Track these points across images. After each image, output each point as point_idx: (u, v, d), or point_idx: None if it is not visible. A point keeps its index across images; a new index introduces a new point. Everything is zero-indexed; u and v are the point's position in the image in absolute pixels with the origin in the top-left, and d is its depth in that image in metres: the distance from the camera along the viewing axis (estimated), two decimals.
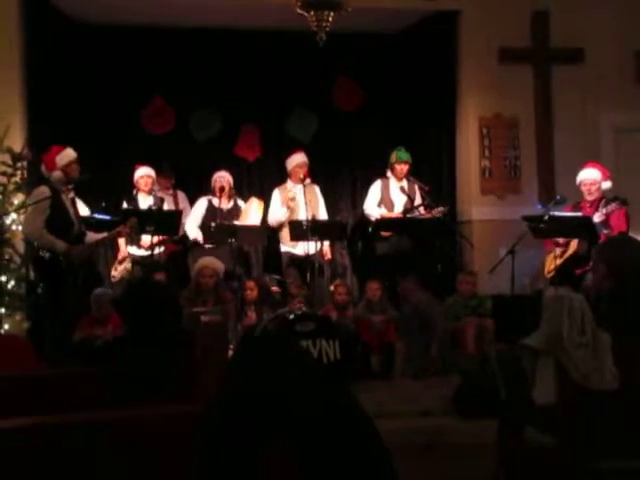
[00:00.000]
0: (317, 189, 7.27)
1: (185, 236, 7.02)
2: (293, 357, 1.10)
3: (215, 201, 6.98)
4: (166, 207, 6.85)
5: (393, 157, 7.15)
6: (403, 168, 7.11)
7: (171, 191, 7.32)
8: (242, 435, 1.00)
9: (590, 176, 6.47)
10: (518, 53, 7.73)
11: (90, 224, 5.88)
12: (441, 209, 6.83)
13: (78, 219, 5.67)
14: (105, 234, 5.83)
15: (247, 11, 7.26)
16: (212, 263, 6.22)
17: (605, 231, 6.15)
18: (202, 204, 7.06)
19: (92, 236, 5.75)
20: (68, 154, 5.58)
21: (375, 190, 7.26)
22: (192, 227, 6.95)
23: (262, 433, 1.00)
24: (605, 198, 6.42)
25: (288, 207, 6.95)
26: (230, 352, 5.12)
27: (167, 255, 6.91)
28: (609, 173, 6.65)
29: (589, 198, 6.44)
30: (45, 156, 5.63)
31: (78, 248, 5.48)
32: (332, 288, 6.45)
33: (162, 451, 2.29)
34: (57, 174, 5.56)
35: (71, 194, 5.67)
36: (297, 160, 7.08)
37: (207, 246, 6.82)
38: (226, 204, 7.02)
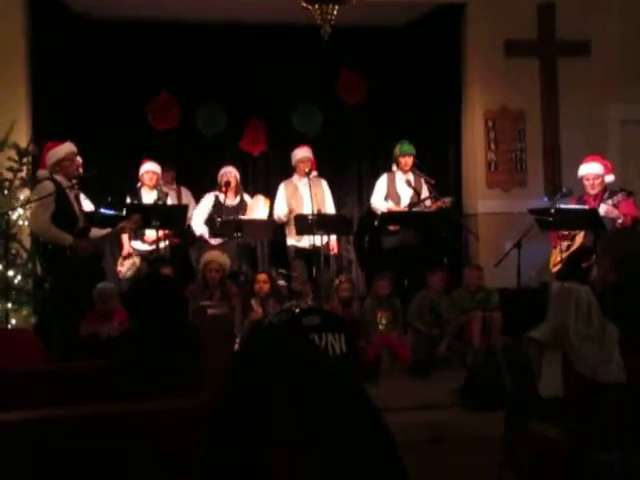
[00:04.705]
0: (324, 183, 7.26)
1: (185, 230, 7.02)
2: (301, 343, 1.10)
3: (222, 197, 6.99)
4: (169, 202, 6.86)
5: (397, 150, 7.15)
6: (407, 161, 7.11)
7: (174, 186, 7.33)
8: (248, 422, 1.01)
9: (593, 170, 6.44)
10: (524, 46, 7.69)
11: (96, 219, 5.89)
12: (448, 199, 6.86)
13: (82, 214, 5.69)
14: (109, 230, 5.85)
15: (251, 5, 7.25)
16: (218, 257, 6.23)
17: (620, 220, 6.14)
18: (209, 200, 7.06)
19: (97, 231, 5.77)
20: (56, 153, 5.56)
21: (381, 184, 7.26)
22: (198, 223, 6.95)
23: (269, 421, 1.00)
24: (609, 190, 6.40)
25: (290, 211, 6.95)
26: (236, 346, 5.13)
27: (171, 249, 6.92)
28: (611, 166, 6.62)
29: (592, 192, 6.43)
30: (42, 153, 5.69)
31: (84, 242, 5.50)
32: (336, 283, 6.44)
33: (168, 444, 2.30)
34: (42, 173, 5.59)
35: (75, 190, 5.67)
36: (299, 155, 7.08)
37: (213, 242, 6.82)
38: (232, 200, 7.02)
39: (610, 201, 6.20)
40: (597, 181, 6.41)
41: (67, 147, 5.63)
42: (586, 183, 6.47)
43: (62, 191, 5.47)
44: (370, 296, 6.63)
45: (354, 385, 1.03)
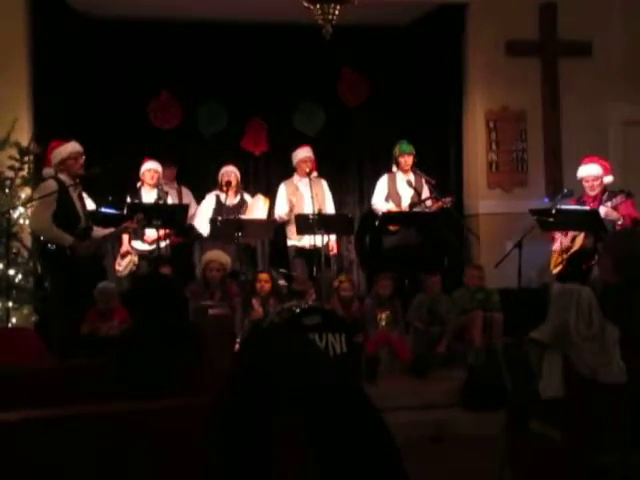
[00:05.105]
0: (324, 183, 7.27)
1: (188, 229, 7.02)
2: (301, 345, 1.10)
3: (222, 197, 6.98)
4: (170, 201, 6.86)
5: (396, 150, 7.15)
6: (407, 160, 7.11)
7: (175, 185, 7.33)
8: (251, 421, 1.01)
9: (592, 172, 6.45)
10: (526, 46, 7.69)
11: (97, 218, 5.89)
12: (449, 199, 6.87)
13: (85, 214, 5.68)
14: (112, 229, 5.84)
15: (253, 4, 7.25)
16: (219, 257, 6.22)
17: (619, 222, 6.14)
18: (210, 200, 7.05)
19: (99, 231, 5.77)
20: (60, 152, 5.55)
21: (382, 184, 7.26)
22: (203, 223, 6.92)
23: (270, 419, 1.00)
24: (608, 191, 6.40)
25: (291, 209, 6.94)
26: (237, 346, 5.14)
27: (172, 248, 6.92)
28: (610, 167, 6.61)
29: (591, 194, 6.44)
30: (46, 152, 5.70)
31: (85, 242, 5.50)
32: (337, 283, 6.44)
33: (168, 444, 2.30)
34: (48, 171, 5.59)
35: (78, 189, 5.67)
36: (301, 155, 7.08)
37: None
38: (232, 199, 7.01)
39: (610, 203, 6.20)
40: (596, 182, 6.42)
41: (71, 146, 5.63)
42: (585, 185, 6.48)
43: (65, 190, 5.47)
44: (370, 296, 6.62)
45: (354, 386, 1.04)
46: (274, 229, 6.99)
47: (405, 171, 7.15)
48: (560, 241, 6.55)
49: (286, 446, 1.00)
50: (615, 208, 6.19)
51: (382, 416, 1.03)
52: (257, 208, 7.01)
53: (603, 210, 6.15)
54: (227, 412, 1.03)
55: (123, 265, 6.75)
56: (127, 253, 6.78)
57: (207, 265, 6.18)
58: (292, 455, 1.00)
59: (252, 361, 1.04)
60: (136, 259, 6.72)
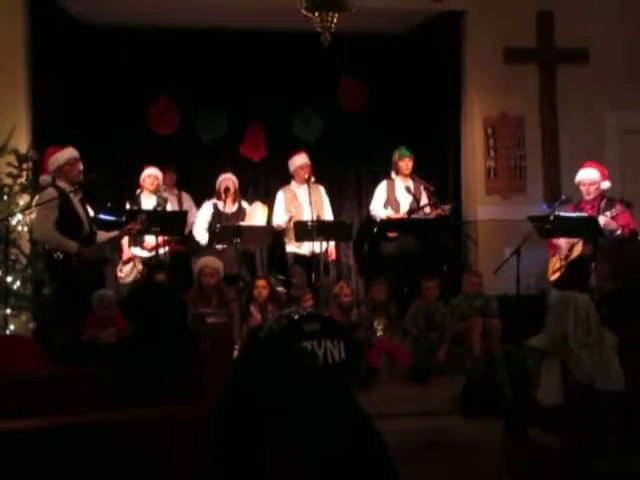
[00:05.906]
0: (322, 189, 7.27)
1: (188, 236, 7.02)
2: (297, 359, 1.11)
3: (220, 204, 6.99)
4: (170, 208, 6.86)
5: (396, 156, 7.16)
6: (408, 164, 7.12)
7: (175, 191, 7.34)
8: (248, 434, 1.01)
9: (589, 176, 6.45)
10: (523, 53, 7.72)
11: (96, 225, 5.89)
12: (448, 206, 6.87)
13: (88, 219, 5.68)
14: (116, 232, 5.84)
15: (252, 12, 7.27)
16: (212, 262, 6.24)
17: (618, 232, 6.15)
18: (208, 208, 7.05)
19: (103, 235, 5.77)
20: (57, 158, 5.54)
21: (381, 191, 7.26)
22: (201, 232, 6.93)
23: (267, 432, 1.01)
24: (605, 198, 6.41)
25: (290, 219, 6.94)
26: (235, 352, 5.13)
27: (170, 255, 6.92)
28: (608, 173, 6.62)
29: (587, 198, 6.45)
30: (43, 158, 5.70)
31: (90, 247, 5.50)
32: (336, 289, 6.44)
33: (167, 451, 2.30)
34: (45, 179, 5.58)
35: (79, 195, 5.67)
36: (298, 162, 7.08)
37: (219, 246, 6.79)
38: (230, 207, 7.02)
39: (609, 213, 6.20)
40: (593, 187, 6.42)
41: (68, 152, 5.62)
42: (582, 189, 6.49)
43: (65, 197, 5.46)
44: (366, 301, 6.62)
45: (347, 398, 1.05)
46: (272, 235, 6.99)
47: (405, 175, 7.15)
48: (561, 248, 6.55)
49: (282, 454, 1.00)
50: (614, 218, 6.20)
51: (373, 425, 1.04)
52: (256, 215, 7.02)
53: (602, 220, 6.15)
54: (224, 421, 1.03)
55: (125, 271, 6.74)
56: (130, 260, 6.78)
57: (201, 271, 6.19)
58: (289, 463, 1.00)
59: (249, 374, 1.05)
60: (140, 266, 6.72)
